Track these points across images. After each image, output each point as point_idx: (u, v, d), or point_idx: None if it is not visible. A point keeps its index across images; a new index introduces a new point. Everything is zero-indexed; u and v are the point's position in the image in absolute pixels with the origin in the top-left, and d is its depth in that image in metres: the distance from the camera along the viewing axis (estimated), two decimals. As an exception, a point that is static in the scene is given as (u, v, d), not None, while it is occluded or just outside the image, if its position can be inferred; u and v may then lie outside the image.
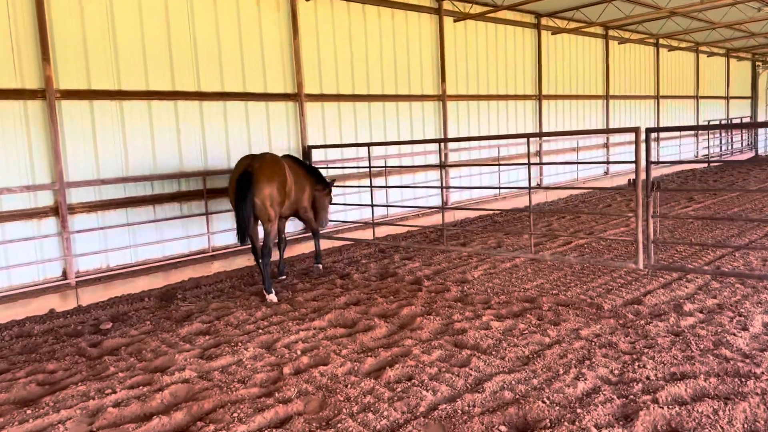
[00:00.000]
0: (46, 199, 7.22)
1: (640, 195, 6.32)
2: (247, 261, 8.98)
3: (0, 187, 6.87)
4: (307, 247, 9.88)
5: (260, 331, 6.17)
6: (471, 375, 4.80)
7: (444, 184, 12.52)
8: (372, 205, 9.07)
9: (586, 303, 6.53)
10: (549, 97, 15.39)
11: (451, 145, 12.73)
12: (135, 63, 7.85)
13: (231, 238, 8.96)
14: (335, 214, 10.21)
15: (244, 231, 7.09)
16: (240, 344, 5.80)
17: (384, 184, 11.05)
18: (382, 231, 10.85)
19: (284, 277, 8.27)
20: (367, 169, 10.23)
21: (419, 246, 9.43)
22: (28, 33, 6.96)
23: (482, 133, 13.52)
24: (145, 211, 8.08)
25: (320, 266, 8.38)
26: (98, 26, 7.51)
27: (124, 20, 7.73)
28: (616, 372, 4.75)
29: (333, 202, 9.01)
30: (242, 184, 7.06)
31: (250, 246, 8.77)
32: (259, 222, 7.45)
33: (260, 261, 7.51)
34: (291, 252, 9.53)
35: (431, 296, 7.09)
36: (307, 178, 8.27)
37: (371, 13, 10.85)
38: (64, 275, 7.37)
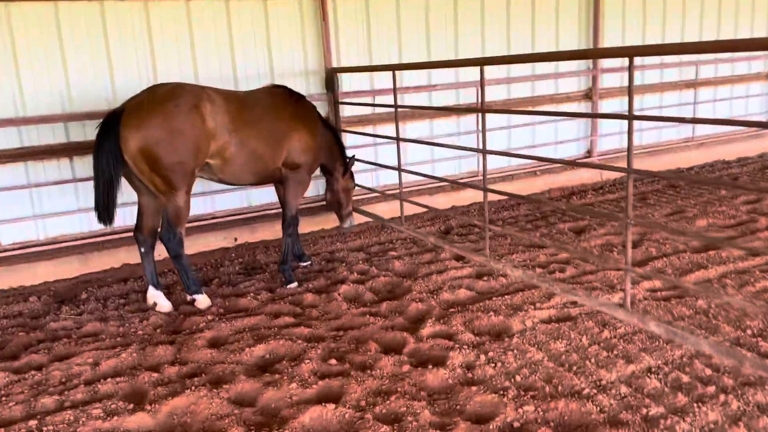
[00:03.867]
0: None
1: None
2: (221, 240, 6.20)
3: None
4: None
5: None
6: None
7: (591, 131, 8.30)
8: (399, 169, 5.59)
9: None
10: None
11: (611, 62, 8.27)
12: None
13: (197, 206, 6.19)
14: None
15: (100, 204, 4.52)
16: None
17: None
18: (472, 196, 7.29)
19: (309, 263, 5.76)
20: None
21: (436, 245, 5.80)
22: None
23: (687, 40, 8.73)
24: (58, 166, 5.62)
25: (288, 270, 5.30)
26: None
27: None
28: None
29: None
30: (101, 133, 4.44)
31: (213, 220, 6.08)
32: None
33: (141, 251, 4.83)
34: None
35: (401, 374, 3.67)
36: (302, 122, 5.22)
37: None
38: None
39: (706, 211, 6.56)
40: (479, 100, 7.25)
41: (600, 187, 8.01)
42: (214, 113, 4.57)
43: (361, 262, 5.72)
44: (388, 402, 3.36)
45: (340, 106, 6.49)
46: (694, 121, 2.98)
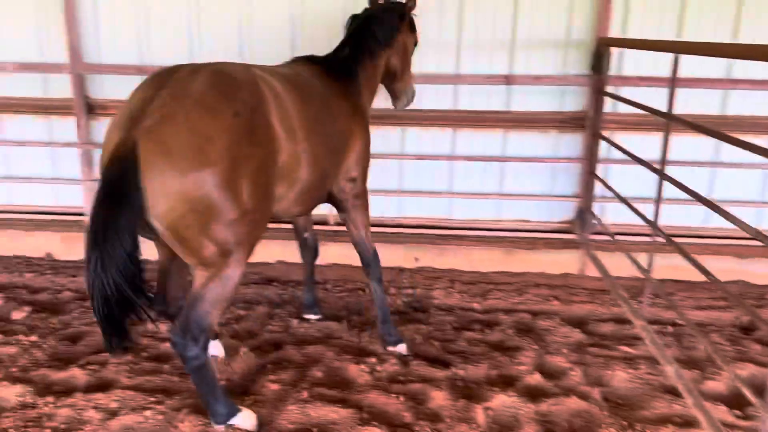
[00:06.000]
0: None
1: None
2: (400, 258, 4.63)
3: None
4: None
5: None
6: None
7: None
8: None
9: None
10: None
11: None
12: None
13: (381, 207, 4.69)
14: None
15: (108, 320, 2.29)
16: None
17: None
18: None
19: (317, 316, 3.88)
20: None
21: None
22: None
23: None
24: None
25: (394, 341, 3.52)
26: None
27: None
28: None
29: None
30: (107, 186, 2.23)
31: (396, 229, 4.65)
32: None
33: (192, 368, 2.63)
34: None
35: None
36: (360, 115, 3.34)
37: None
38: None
39: None
40: None
41: None
42: (282, 116, 2.68)
43: (567, 349, 3.59)
44: None
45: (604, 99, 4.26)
46: None
